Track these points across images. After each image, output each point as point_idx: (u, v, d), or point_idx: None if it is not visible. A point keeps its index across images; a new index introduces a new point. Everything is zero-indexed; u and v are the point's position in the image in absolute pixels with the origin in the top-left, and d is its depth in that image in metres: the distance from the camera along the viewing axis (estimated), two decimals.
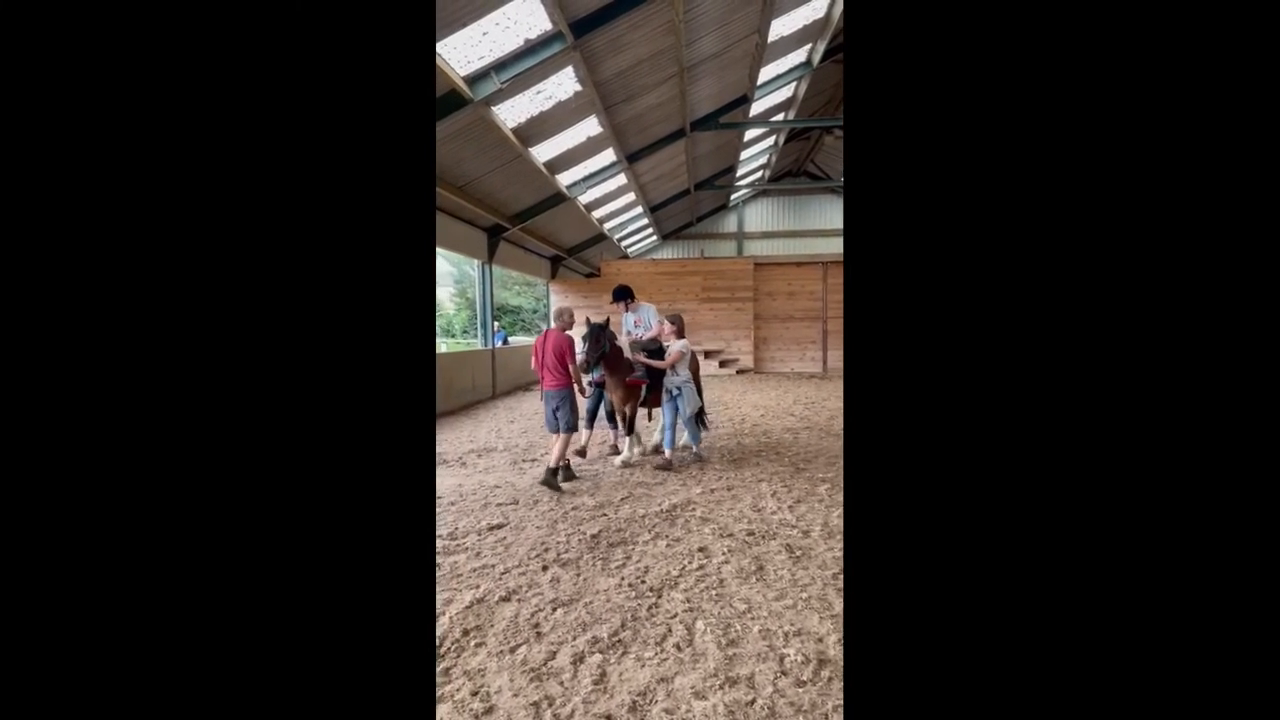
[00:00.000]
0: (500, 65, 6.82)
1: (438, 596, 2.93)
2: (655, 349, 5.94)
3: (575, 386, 5.08)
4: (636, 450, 5.84)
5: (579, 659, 2.36)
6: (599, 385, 5.89)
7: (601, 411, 6.09)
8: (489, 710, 2.06)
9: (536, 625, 2.64)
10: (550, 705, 2.08)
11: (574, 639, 2.51)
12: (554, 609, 2.78)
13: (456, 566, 3.29)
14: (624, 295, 6.33)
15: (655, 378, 5.68)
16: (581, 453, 5.91)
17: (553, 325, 5.19)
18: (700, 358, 15.47)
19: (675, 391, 5.57)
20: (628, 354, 5.73)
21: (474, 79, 6.83)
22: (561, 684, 2.21)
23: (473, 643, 2.50)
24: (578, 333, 5.34)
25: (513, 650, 2.44)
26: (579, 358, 5.13)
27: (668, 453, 5.55)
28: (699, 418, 6.00)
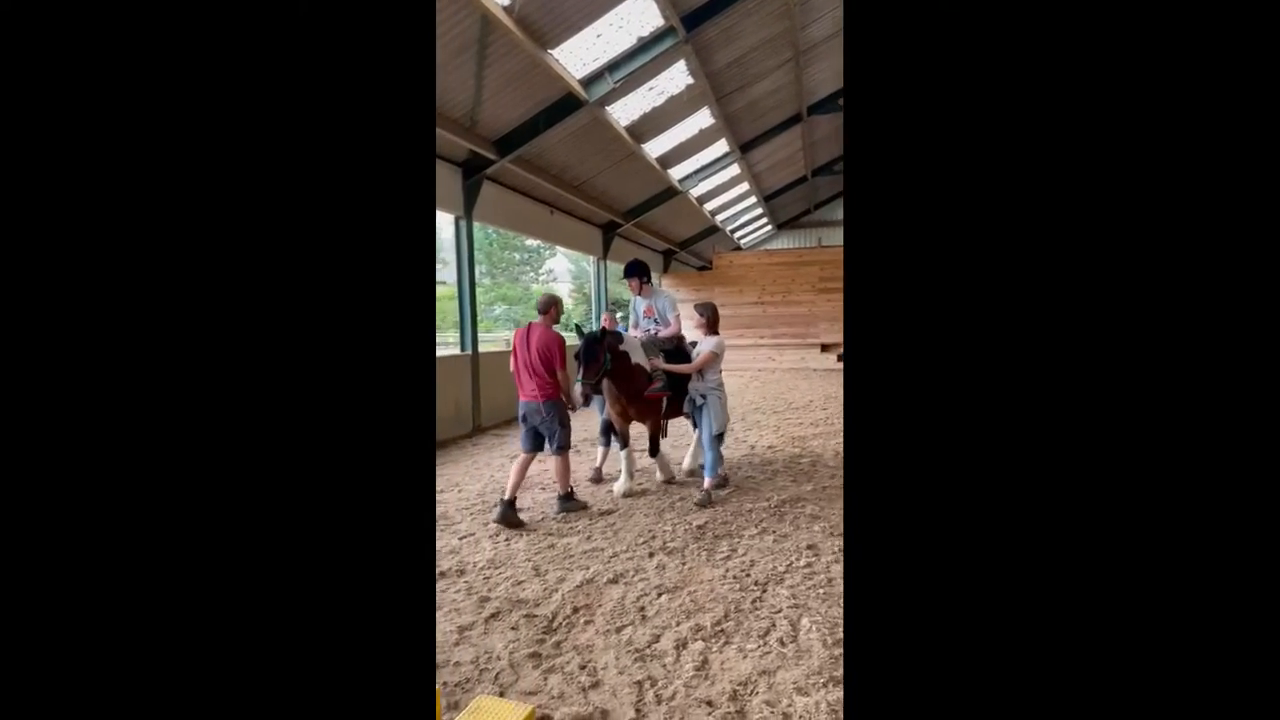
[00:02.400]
0: (613, 65, 7.00)
1: (551, 575, 3.11)
2: (673, 349, 4.76)
3: (564, 398, 4.02)
4: (659, 477, 4.76)
5: (682, 644, 2.42)
6: (594, 394, 4.53)
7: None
8: (595, 684, 2.18)
9: (642, 609, 2.73)
10: (653, 686, 2.16)
11: (677, 625, 2.57)
12: (659, 594, 2.86)
13: (569, 548, 3.48)
14: (638, 272, 4.85)
15: (678, 385, 4.50)
16: (597, 477, 4.87)
17: (539, 319, 4.07)
18: (817, 352, 14.96)
19: (700, 400, 4.39)
20: (636, 358, 4.37)
21: (588, 81, 7.06)
22: (664, 667, 2.28)
23: (582, 620, 2.64)
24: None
25: (619, 630, 2.55)
26: (576, 386, 4.02)
27: (708, 482, 4.34)
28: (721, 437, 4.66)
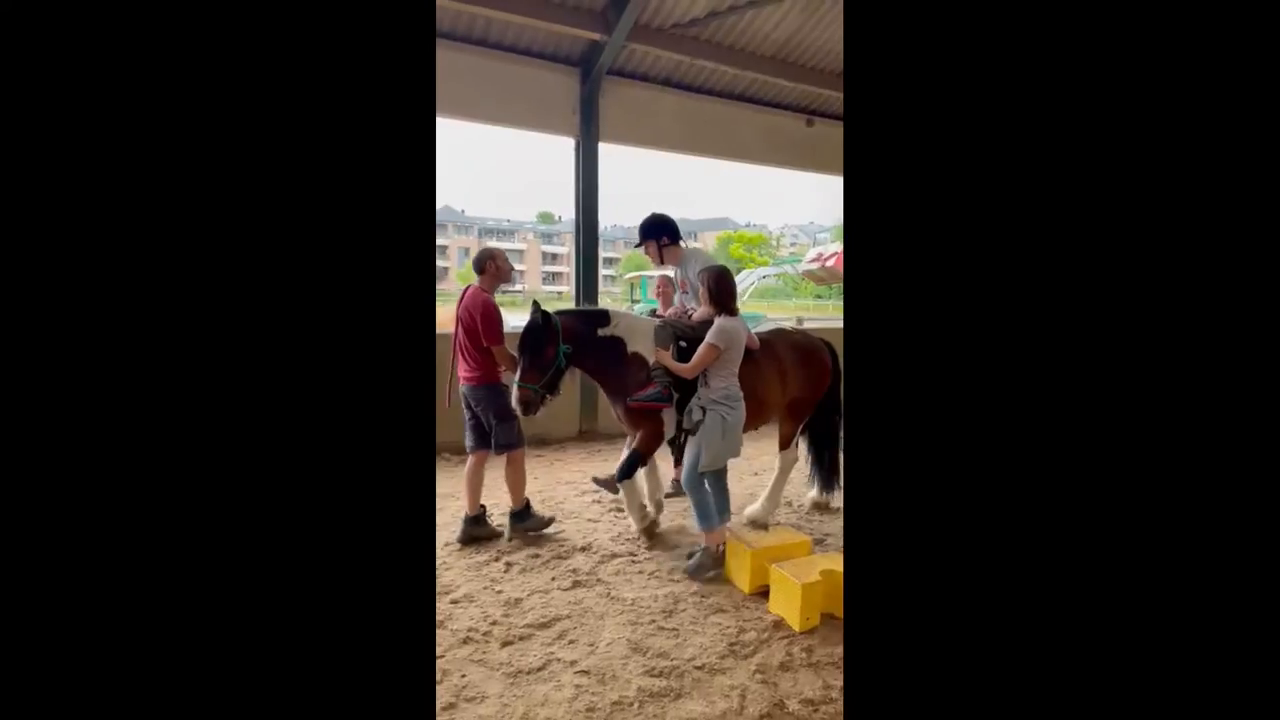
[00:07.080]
0: None
1: None
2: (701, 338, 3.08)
3: (505, 381, 3.06)
4: (634, 526, 3.28)
5: None
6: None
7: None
8: None
9: None
10: None
11: None
12: None
13: None
14: (655, 232, 3.43)
15: (691, 391, 3.03)
16: (675, 489, 3.84)
17: (477, 281, 3.13)
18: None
19: (698, 415, 2.90)
20: (635, 346, 3.10)
21: None
22: None
23: None
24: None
25: None
26: (514, 391, 2.90)
27: (707, 537, 2.98)
28: (837, 482, 3.63)
